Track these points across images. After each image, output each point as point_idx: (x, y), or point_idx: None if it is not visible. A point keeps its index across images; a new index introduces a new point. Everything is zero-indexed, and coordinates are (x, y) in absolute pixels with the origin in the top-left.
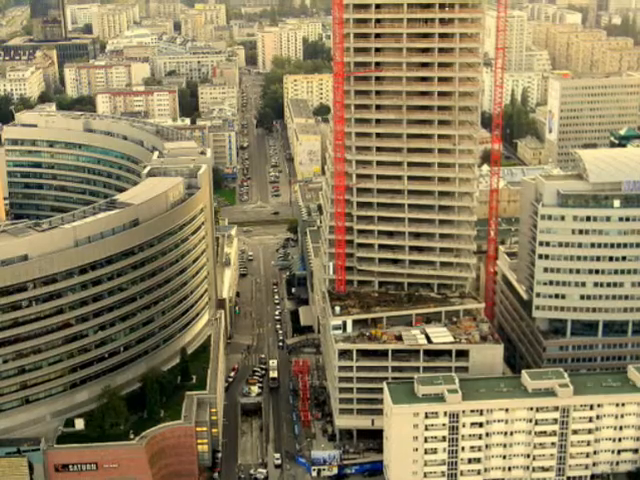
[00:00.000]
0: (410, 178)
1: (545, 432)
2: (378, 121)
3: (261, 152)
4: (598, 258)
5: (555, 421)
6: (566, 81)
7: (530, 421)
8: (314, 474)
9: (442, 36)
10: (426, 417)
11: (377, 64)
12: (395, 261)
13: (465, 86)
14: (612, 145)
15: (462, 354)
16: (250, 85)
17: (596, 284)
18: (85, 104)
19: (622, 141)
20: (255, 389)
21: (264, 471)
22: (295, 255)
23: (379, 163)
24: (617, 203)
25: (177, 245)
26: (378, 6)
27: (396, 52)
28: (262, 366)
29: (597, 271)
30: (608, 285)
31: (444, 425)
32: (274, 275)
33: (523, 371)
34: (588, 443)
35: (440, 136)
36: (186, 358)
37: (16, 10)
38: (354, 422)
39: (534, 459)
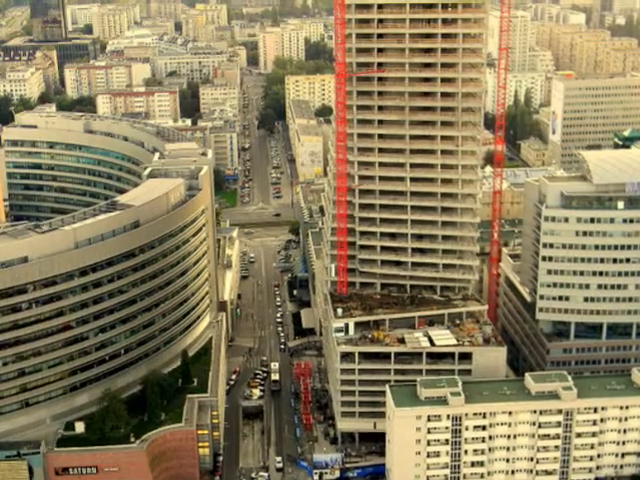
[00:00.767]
0: (413, 179)
1: (549, 435)
2: (380, 122)
3: (262, 153)
4: (602, 260)
5: (559, 424)
6: (570, 82)
7: (533, 424)
8: (316, 478)
9: (445, 36)
10: (429, 420)
11: (379, 65)
12: (398, 263)
13: (468, 87)
14: (616, 146)
15: (465, 357)
16: (251, 86)
17: (600, 286)
18: (85, 105)
19: (626, 142)
20: (257, 392)
21: (266, 474)
22: (297, 257)
23: (381, 164)
24: (621, 205)
25: (178, 247)
26: (380, 6)
27: (398, 52)
28: (264, 369)
29: (601, 273)
30: (612, 287)
31: (447, 428)
32: (276, 277)
33: (526, 374)
34: (592, 446)
35: (443, 137)
36: (187, 361)
37: (16, 10)
38: (356, 425)
39: (537, 462)
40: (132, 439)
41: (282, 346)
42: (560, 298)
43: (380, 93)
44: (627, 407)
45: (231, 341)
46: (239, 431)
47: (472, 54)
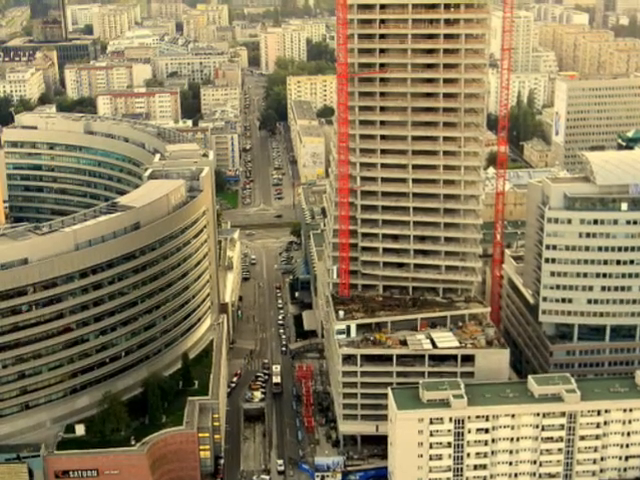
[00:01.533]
0: (415, 181)
1: (552, 438)
2: (382, 123)
3: (264, 154)
4: (605, 262)
5: (562, 427)
6: (573, 82)
7: (537, 427)
8: None
9: (447, 37)
10: (431, 423)
11: (381, 65)
12: (400, 265)
13: (471, 88)
14: (620, 147)
15: (468, 359)
16: (253, 86)
17: (603, 288)
18: (86, 106)
19: (630, 143)
20: (258, 394)
21: (267, 477)
22: (298, 259)
23: (383, 166)
24: (624, 206)
25: (179, 249)
26: (383, 7)
27: (401, 53)
28: (265, 371)
29: (604, 275)
30: (616, 289)
31: (449, 431)
32: (277, 279)
33: (529, 376)
34: (595, 449)
35: (445, 138)
36: (188, 363)
37: (16, 11)
38: (358, 428)
39: (541, 465)
40: (133, 442)
41: (283, 348)
42: (563, 300)
43: (382, 94)
44: (631, 410)
45: (232, 343)
46: (240, 434)
47: (475, 55)
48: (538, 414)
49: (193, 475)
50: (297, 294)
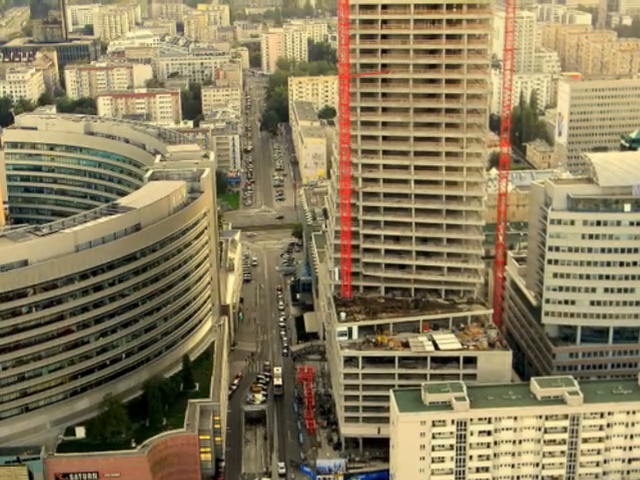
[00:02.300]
0: (417, 182)
1: (554, 441)
2: (384, 124)
3: (265, 155)
4: (608, 263)
5: (565, 429)
6: (576, 83)
7: (539, 429)
8: None
9: (449, 37)
10: (433, 425)
11: (383, 66)
12: (402, 266)
13: (473, 88)
14: (623, 148)
15: (470, 361)
16: (254, 87)
17: (606, 290)
18: (86, 106)
19: (633, 144)
20: (259, 397)
21: None
22: (300, 260)
23: (385, 166)
24: (628, 207)
25: (180, 250)
26: (384, 7)
27: (403, 54)
28: (266, 373)
29: (607, 276)
30: (619, 291)
31: (452, 433)
32: (278, 281)
33: (532, 378)
34: (598, 452)
35: (447, 139)
36: (189, 365)
37: (16, 11)
38: (360, 430)
39: (543, 468)
40: (133, 444)
41: (285, 350)
42: (566, 302)
43: (384, 94)
44: (634, 412)
45: (233, 345)
46: (241, 436)
47: (477, 55)
48: (541, 416)
49: (194, 478)
50: (298, 296)
